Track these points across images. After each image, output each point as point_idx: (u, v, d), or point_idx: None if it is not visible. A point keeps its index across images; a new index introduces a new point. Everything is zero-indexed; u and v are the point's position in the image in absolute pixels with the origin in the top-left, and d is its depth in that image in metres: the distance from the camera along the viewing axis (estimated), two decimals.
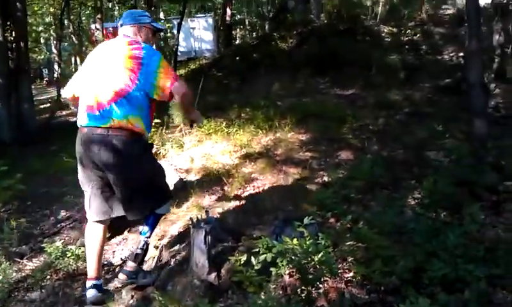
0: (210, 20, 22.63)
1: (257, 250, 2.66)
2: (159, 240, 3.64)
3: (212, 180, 4.94)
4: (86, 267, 2.98)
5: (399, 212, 3.50)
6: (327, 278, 2.65)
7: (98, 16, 15.65)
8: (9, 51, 9.03)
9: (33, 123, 9.46)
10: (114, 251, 3.84)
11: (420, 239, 2.91)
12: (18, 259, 3.62)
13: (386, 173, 4.65)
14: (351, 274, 2.79)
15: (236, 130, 6.45)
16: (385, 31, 12.32)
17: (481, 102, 4.70)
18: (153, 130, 5.34)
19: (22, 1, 9.10)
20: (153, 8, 13.18)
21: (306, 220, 2.69)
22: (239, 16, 32.51)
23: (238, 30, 31.92)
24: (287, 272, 2.61)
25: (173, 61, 13.53)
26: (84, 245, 3.09)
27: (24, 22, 9.73)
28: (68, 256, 3.33)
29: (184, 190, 4.66)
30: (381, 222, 3.20)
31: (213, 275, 2.81)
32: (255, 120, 6.85)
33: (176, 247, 3.45)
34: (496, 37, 8.47)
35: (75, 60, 22.27)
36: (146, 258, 3.23)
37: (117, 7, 23.12)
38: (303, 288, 2.51)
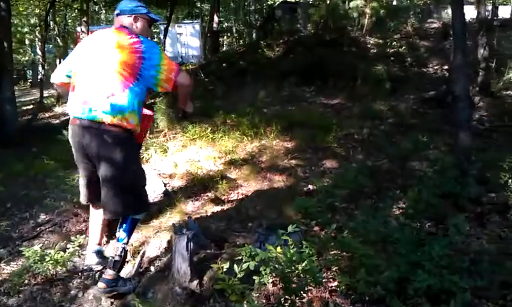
0: (198, 27, 22.64)
1: (240, 258, 2.61)
2: (139, 246, 3.56)
3: (195, 185, 4.90)
4: (64, 272, 3.26)
5: (384, 222, 3.47)
6: (311, 287, 2.61)
7: (84, 19, 15.46)
8: None
9: (15, 125, 9.25)
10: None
11: (405, 249, 2.89)
12: None
13: (370, 182, 4.65)
14: (335, 283, 2.76)
15: (221, 136, 6.43)
16: (371, 42, 12.48)
17: (466, 114, 4.73)
18: None
19: (6, 1, 8.93)
20: None
21: (290, 229, 2.64)
22: (226, 24, 32.69)
23: (225, 37, 32.11)
24: (271, 280, 2.56)
25: None
26: (63, 250, 3.35)
27: (8, 22, 9.53)
28: (46, 260, 3.22)
29: (167, 195, 4.60)
30: (366, 231, 3.17)
31: (195, 282, 2.74)
32: (240, 127, 6.84)
33: (158, 254, 3.37)
34: (481, 51, 8.62)
35: (60, 62, 22.01)
36: (125, 265, 3.17)
37: (103, 11, 22.99)
38: (287, 297, 2.46)
